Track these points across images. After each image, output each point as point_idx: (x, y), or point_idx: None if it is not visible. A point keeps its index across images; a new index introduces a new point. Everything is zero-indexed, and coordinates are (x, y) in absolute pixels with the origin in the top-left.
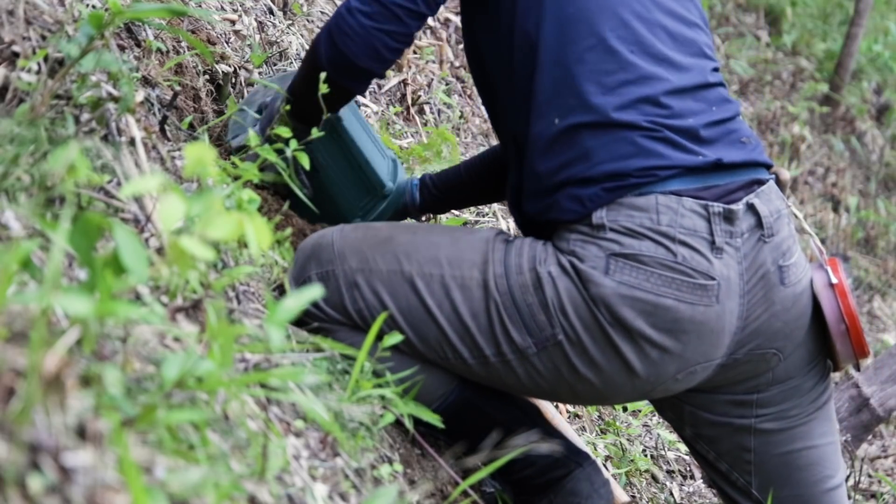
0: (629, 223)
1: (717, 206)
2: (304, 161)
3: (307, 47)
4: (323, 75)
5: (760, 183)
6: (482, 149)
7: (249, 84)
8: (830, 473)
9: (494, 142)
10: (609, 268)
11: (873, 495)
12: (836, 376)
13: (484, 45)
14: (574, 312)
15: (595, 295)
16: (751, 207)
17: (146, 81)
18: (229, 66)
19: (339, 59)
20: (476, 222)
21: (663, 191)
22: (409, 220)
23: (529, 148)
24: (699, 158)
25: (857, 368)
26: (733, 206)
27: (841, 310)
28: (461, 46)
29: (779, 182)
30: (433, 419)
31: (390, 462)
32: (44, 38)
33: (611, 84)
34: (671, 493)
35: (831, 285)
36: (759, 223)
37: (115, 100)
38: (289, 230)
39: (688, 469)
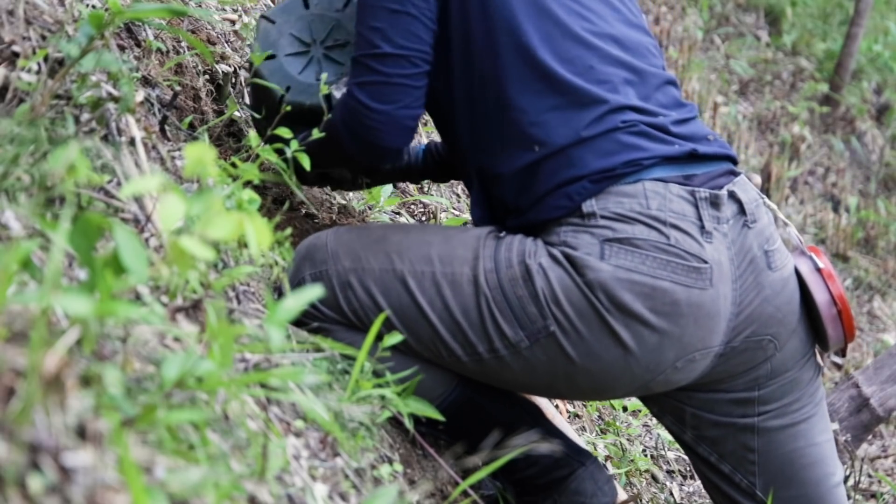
0: (619, 209)
1: (704, 192)
2: (305, 162)
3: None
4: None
5: (734, 174)
6: None
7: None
8: (832, 471)
9: None
10: (604, 253)
11: (873, 495)
12: (836, 376)
13: (443, 88)
14: (567, 301)
15: (592, 280)
16: (732, 195)
17: (146, 81)
18: (229, 66)
19: (370, 150)
20: None
21: (649, 178)
22: (405, 221)
23: (510, 178)
24: (675, 148)
25: (843, 354)
26: (718, 192)
27: (832, 293)
28: None
29: None
30: (433, 414)
31: (390, 462)
32: (44, 38)
33: (585, 101)
34: (671, 493)
35: (818, 270)
36: (742, 209)
37: (115, 100)
38: (289, 230)
39: (688, 469)
